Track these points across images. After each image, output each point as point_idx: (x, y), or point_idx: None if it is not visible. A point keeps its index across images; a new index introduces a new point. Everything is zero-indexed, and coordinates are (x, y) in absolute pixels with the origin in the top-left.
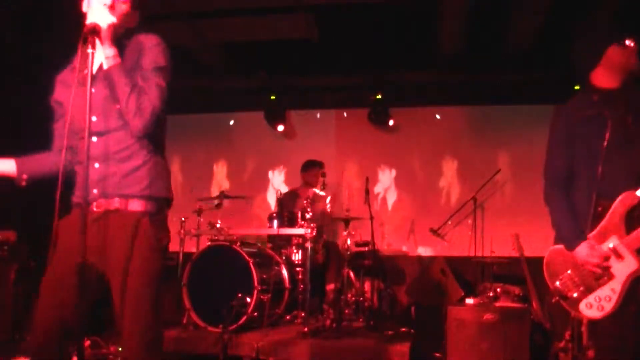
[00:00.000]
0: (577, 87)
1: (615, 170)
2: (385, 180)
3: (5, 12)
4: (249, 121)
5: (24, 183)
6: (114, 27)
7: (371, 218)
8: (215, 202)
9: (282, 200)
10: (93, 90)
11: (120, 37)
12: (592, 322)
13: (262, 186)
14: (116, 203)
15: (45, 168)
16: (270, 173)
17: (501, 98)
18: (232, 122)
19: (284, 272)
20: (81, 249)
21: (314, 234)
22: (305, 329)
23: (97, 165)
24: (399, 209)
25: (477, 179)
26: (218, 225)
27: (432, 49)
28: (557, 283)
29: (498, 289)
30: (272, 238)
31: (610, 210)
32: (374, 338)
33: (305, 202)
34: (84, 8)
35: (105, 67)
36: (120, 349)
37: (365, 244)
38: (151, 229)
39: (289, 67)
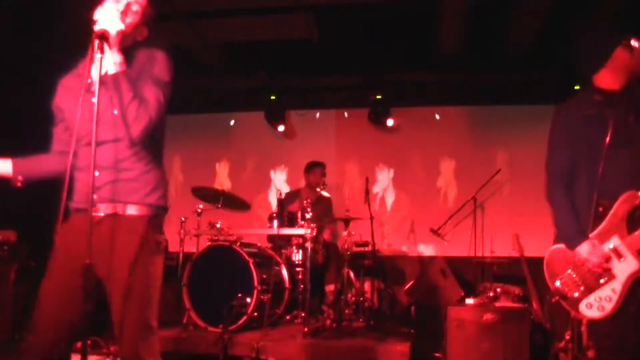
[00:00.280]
0: (577, 87)
1: (616, 170)
2: (385, 180)
3: (6, 12)
4: (249, 121)
5: (19, 184)
6: (122, 35)
7: (371, 218)
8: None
9: (282, 201)
10: (94, 100)
11: (128, 48)
12: (592, 322)
13: (263, 186)
14: (115, 208)
15: (42, 170)
16: (271, 173)
17: (501, 98)
18: (232, 122)
19: (284, 272)
20: (87, 251)
21: (314, 234)
22: (305, 329)
23: (96, 173)
24: (399, 208)
25: (477, 179)
26: (218, 225)
27: (432, 49)
28: (558, 283)
29: (498, 289)
30: (272, 238)
31: (612, 210)
32: (374, 338)
33: (305, 202)
34: (95, 16)
35: (110, 72)
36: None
37: (365, 244)
38: (149, 232)
39: (289, 67)
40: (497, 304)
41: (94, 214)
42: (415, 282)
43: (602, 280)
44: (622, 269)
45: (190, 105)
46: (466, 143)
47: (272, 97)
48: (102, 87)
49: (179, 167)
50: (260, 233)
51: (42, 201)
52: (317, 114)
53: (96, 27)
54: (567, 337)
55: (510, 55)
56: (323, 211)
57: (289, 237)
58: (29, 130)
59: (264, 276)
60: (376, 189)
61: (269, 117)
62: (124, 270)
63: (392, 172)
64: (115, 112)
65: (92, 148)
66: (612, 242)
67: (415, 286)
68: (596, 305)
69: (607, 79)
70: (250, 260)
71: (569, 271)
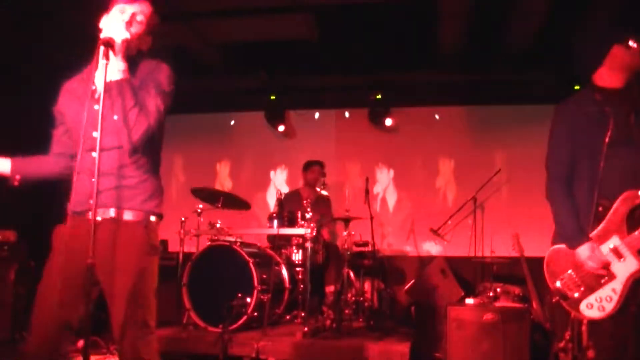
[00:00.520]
0: (577, 87)
1: (617, 169)
2: (385, 180)
3: (6, 12)
4: (250, 121)
5: (16, 183)
6: (127, 44)
7: (371, 218)
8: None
9: (282, 201)
10: (96, 107)
11: (133, 57)
12: (593, 323)
13: (263, 186)
14: (112, 213)
15: (40, 171)
16: (271, 173)
17: (501, 98)
18: (232, 122)
19: (284, 272)
20: (90, 252)
21: (314, 234)
22: (305, 329)
23: (93, 179)
24: (399, 208)
25: (477, 179)
26: (218, 225)
27: (432, 49)
28: (558, 283)
29: (498, 289)
30: (272, 238)
31: (612, 210)
32: (374, 338)
33: (305, 202)
34: (101, 24)
35: (114, 79)
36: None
37: (365, 244)
38: (144, 236)
39: (289, 67)
40: (497, 304)
41: (89, 217)
42: (415, 282)
43: (602, 281)
44: (623, 269)
45: (190, 105)
46: (466, 143)
47: (272, 97)
48: (105, 94)
49: (179, 167)
50: (260, 233)
51: (42, 201)
52: (317, 114)
53: (102, 35)
54: (567, 337)
55: (510, 55)
56: (322, 211)
57: (289, 237)
58: (27, 131)
59: (264, 276)
60: (376, 189)
61: (269, 117)
62: (122, 272)
63: (392, 172)
64: (116, 117)
65: (97, 155)
66: (612, 242)
67: (415, 286)
68: (597, 305)
69: (606, 77)
70: (250, 260)
71: (570, 271)
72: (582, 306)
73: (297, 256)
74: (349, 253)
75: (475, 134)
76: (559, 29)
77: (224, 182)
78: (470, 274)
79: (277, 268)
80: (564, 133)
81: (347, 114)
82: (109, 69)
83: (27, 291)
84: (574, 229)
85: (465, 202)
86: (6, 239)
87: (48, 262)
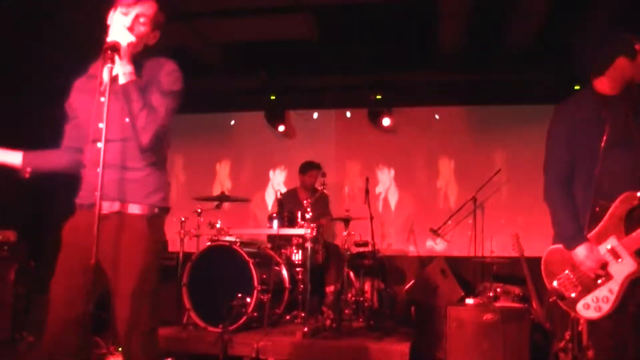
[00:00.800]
0: (577, 87)
1: (614, 171)
2: (385, 180)
3: (6, 12)
4: (249, 121)
5: (27, 175)
6: (133, 47)
7: (371, 218)
8: (216, 202)
9: (281, 201)
10: (103, 99)
11: (140, 53)
12: (592, 322)
13: (263, 186)
14: (117, 206)
15: (51, 164)
16: (270, 173)
17: (501, 98)
18: (232, 122)
19: (284, 272)
20: (94, 250)
21: (314, 234)
22: (305, 329)
23: (98, 169)
24: (399, 208)
25: (476, 179)
26: (218, 225)
27: (432, 49)
28: (555, 283)
29: (498, 289)
30: (272, 238)
31: (610, 211)
32: (374, 338)
33: (305, 202)
34: (109, 21)
35: (121, 82)
36: (120, 348)
37: (365, 244)
38: (148, 231)
39: (289, 67)
40: (497, 304)
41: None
42: (415, 282)
43: (599, 281)
44: (620, 269)
45: (190, 105)
46: (466, 143)
47: (272, 97)
48: (112, 95)
49: (179, 167)
50: (260, 233)
51: (42, 201)
52: (317, 114)
53: (108, 39)
54: (567, 337)
55: (510, 55)
56: (320, 210)
57: (289, 237)
58: (27, 131)
59: (264, 276)
60: (376, 189)
61: (269, 117)
62: (124, 267)
63: (392, 172)
64: (127, 120)
65: (102, 146)
66: (610, 243)
67: (415, 286)
68: (594, 305)
69: (605, 85)
70: (250, 260)
71: (567, 271)
72: (579, 306)
73: (297, 256)
74: (349, 253)
75: (475, 134)
76: (559, 29)
77: (223, 182)
78: (470, 274)
79: (277, 268)
80: (562, 134)
81: (347, 114)
82: (115, 71)
83: (27, 291)
84: (572, 230)
85: (465, 202)
86: (6, 239)
87: (58, 260)
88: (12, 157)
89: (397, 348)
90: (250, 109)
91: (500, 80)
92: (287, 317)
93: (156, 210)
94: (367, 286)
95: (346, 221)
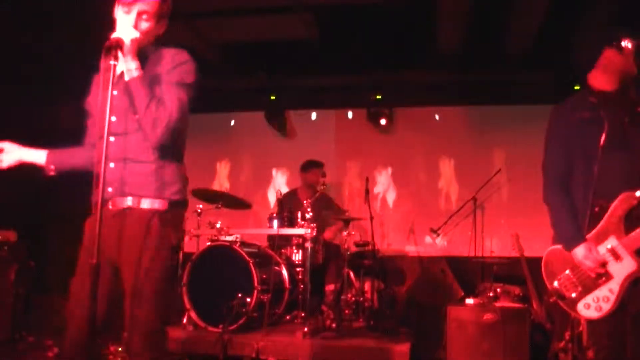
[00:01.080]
0: (577, 87)
1: (612, 171)
2: (385, 180)
3: (6, 12)
4: (249, 121)
5: (52, 173)
6: (137, 42)
7: (371, 218)
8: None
9: (282, 201)
10: (115, 92)
11: (147, 45)
12: (592, 323)
13: (263, 186)
14: (129, 201)
15: (74, 162)
16: (271, 173)
17: (501, 98)
18: (232, 122)
19: (284, 272)
20: (96, 250)
21: (314, 234)
22: (305, 329)
23: (112, 164)
24: (399, 208)
25: (476, 179)
26: (218, 225)
27: (432, 49)
28: (556, 283)
29: (498, 289)
30: (272, 238)
31: (609, 211)
32: (374, 338)
33: (305, 202)
34: (115, 14)
35: (126, 79)
36: (120, 348)
37: (365, 244)
38: (160, 227)
39: (288, 67)
40: (497, 304)
41: (110, 207)
42: (415, 282)
43: (599, 281)
44: (620, 269)
45: (191, 105)
46: (466, 143)
47: (272, 97)
48: (122, 88)
49: None
50: (260, 233)
51: (42, 201)
52: (317, 114)
53: (112, 36)
54: (567, 337)
55: (510, 55)
56: (325, 209)
57: (289, 237)
58: (27, 131)
59: (264, 276)
60: (376, 189)
61: (269, 117)
62: (134, 263)
63: (392, 172)
64: (137, 116)
65: (104, 140)
66: (610, 243)
67: (415, 286)
68: (594, 305)
69: (599, 79)
70: (250, 260)
71: (567, 272)
72: (580, 306)
73: (297, 256)
74: (349, 253)
75: (475, 134)
76: (559, 29)
77: (223, 182)
78: (470, 274)
79: (277, 268)
80: (559, 136)
81: (347, 114)
82: (120, 68)
83: (27, 291)
84: (571, 230)
85: (465, 202)
86: (6, 239)
87: (79, 257)
88: (37, 156)
89: (397, 348)
90: (250, 109)
91: (500, 80)
92: (287, 317)
93: (169, 204)
94: (367, 286)
95: (346, 221)
